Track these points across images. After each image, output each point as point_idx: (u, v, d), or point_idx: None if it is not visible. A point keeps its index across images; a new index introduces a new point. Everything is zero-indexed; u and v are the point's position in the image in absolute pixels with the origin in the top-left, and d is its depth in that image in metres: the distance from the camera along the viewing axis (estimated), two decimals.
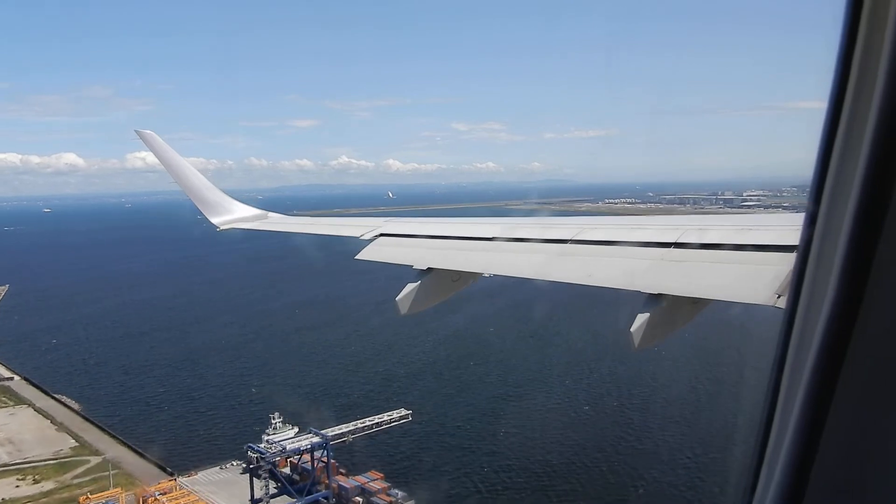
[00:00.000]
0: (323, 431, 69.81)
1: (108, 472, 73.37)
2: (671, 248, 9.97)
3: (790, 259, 7.99)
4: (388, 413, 73.77)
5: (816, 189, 2.52)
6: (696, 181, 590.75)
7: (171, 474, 73.61)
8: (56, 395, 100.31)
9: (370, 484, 66.62)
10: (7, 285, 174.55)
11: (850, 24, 2.32)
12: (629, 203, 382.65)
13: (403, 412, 74.75)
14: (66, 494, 71.10)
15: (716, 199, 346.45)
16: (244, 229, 20.01)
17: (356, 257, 14.41)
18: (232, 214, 20.20)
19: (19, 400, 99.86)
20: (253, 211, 20.62)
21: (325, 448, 68.29)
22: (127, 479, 73.37)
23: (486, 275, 13.12)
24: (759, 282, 8.25)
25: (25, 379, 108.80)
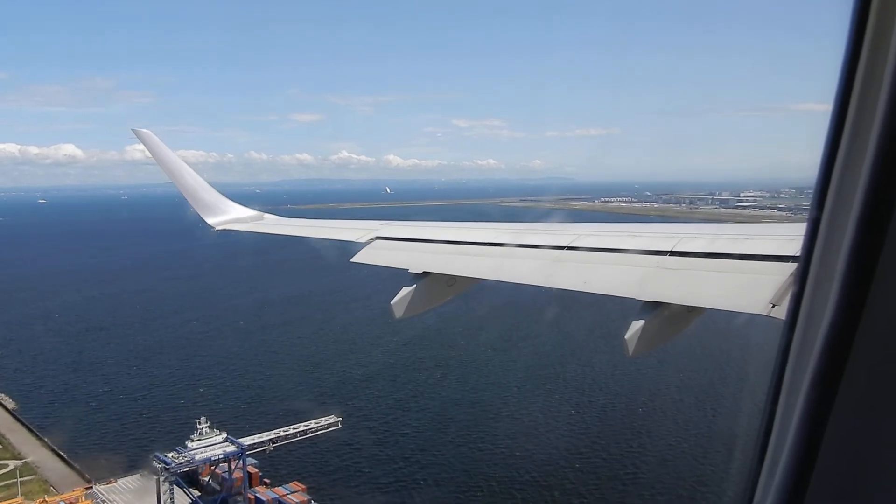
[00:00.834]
0: (241, 439, 65.30)
1: (23, 478, 69.04)
2: (667, 256, 10.06)
3: (785, 269, 8.13)
4: (316, 420, 69.02)
5: (819, 196, 2.51)
6: (696, 181, 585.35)
7: (89, 482, 69.20)
8: None
9: (289, 497, 62.16)
10: None
11: (857, 27, 2.31)
12: (625, 202, 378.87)
13: (333, 419, 70.10)
14: None
15: (712, 199, 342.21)
16: (239, 231, 19.89)
17: (352, 260, 14.43)
18: (228, 215, 20.24)
19: None
20: (249, 212, 20.63)
21: (240, 457, 63.77)
22: (40, 487, 69.08)
23: (482, 280, 12.93)
24: (753, 291, 8.40)
25: None
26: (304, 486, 63.78)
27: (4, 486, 69.41)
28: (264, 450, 65.33)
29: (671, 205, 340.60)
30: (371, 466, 72.32)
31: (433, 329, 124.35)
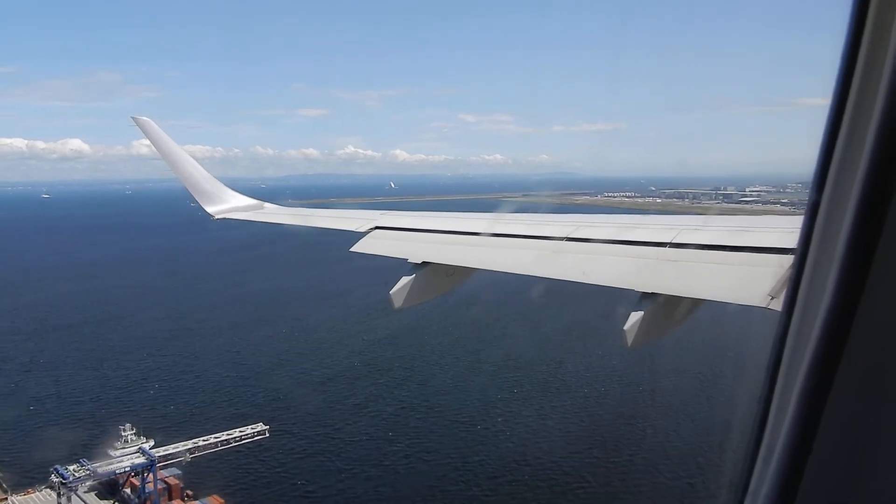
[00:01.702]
0: (153, 449, 60.73)
1: None
2: (666, 248, 10.03)
3: (783, 261, 8.14)
4: (241, 429, 64.29)
5: (817, 188, 2.53)
6: (702, 176, 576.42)
7: (6, 492, 64.90)
8: None
9: None
10: None
11: (856, 23, 2.33)
12: (627, 197, 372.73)
13: (260, 427, 65.50)
14: None
15: (716, 194, 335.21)
16: (239, 219, 19.83)
17: (351, 250, 14.44)
18: (227, 204, 20.18)
19: None
20: (248, 201, 20.59)
21: (150, 469, 59.14)
22: None
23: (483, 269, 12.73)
24: (752, 283, 8.38)
25: None
26: (222, 501, 59.08)
27: None
28: (181, 460, 60.66)
29: (674, 199, 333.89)
30: (310, 478, 67.46)
31: (408, 326, 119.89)
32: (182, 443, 61.97)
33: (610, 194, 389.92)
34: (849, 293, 2.33)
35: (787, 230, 9.17)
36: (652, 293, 9.20)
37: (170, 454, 60.10)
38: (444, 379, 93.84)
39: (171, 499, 60.27)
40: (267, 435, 65.76)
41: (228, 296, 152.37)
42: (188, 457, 60.88)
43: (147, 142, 20.31)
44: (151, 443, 65.57)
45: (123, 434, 65.37)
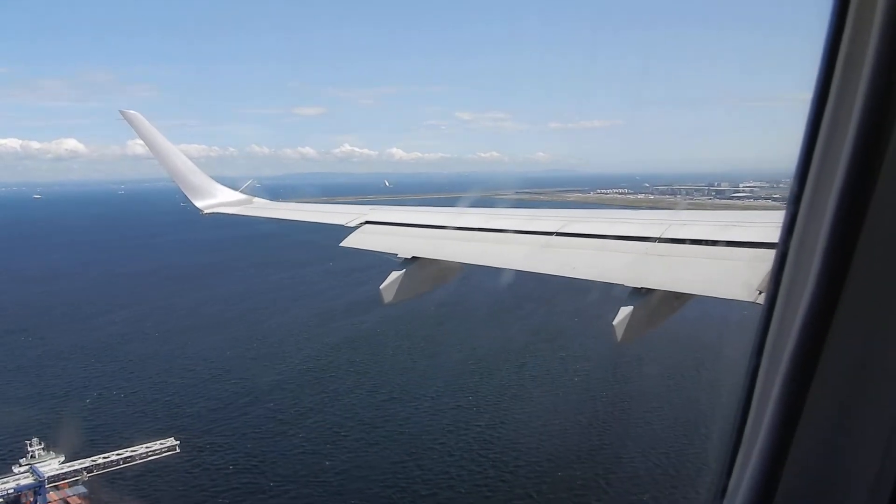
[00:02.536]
0: (42, 468, 55.68)
1: None
2: (656, 243, 10.11)
3: (772, 256, 6.73)
4: (147, 444, 59.23)
5: (798, 183, 2.57)
6: (699, 172, 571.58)
7: None
8: None
9: None
10: None
11: (837, 19, 2.37)
12: (619, 193, 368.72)
13: (171, 442, 60.46)
14: None
15: (708, 190, 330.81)
16: (228, 214, 19.62)
17: (341, 244, 14.44)
18: (216, 198, 20.09)
19: None
20: (238, 196, 20.50)
21: (39, 490, 54.12)
22: None
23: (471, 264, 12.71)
24: (741, 278, 8.40)
25: None
26: None
27: None
28: (77, 479, 55.67)
29: (666, 196, 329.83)
30: (233, 497, 62.35)
31: (370, 329, 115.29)
32: (80, 461, 56.92)
33: (602, 191, 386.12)
34: (830, 286, 2.33)
35: (776, 225, 7.84)
36: (641, 288, 9.24)
37: (63, 473, 55.00)
38: (397, 385, 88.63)
39: None
40: (178, 450, 60.60)
41: (193, 298, 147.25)
42: (85, 475, 55.86)
43: (141, 141, 20.36)
44: (61, 458, 60.64)
45: (30, 449, 60.41)
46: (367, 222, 14.76)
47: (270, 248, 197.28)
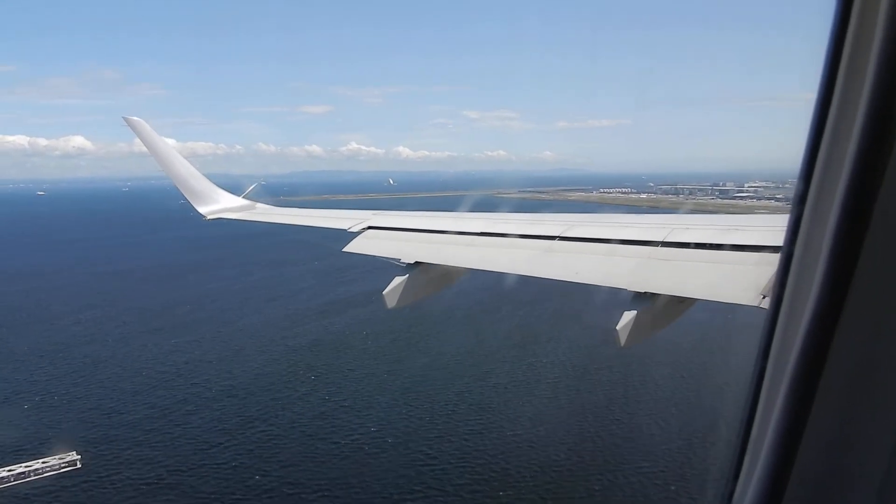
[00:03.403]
0: None
1: None
2: (658, 247, 10.22)
3: (776, 260, 7.17)
4: (44, 459, 54.42)
5: (803, 185, 2.55)
6: (704, 171, 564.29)
7: None
8: None
9: None
10: None
11: (840, 19, 2.35)
12: (622, 193, 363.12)
13: (71, 457, 55.63)
14: None
15: (712, 189, 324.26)
16: (230, 219, 19.93)
17: (343, 250, 14.52)
18: (218, 204, 20.24)
19: None
20: (240, 201, 20.85)
21: None
22: None
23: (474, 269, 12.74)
24: (744, 282, 8.38)
25: None
26: None
27: None
28: None
29: (668, 196, 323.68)
30: None
31: (339, 332, 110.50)
32: None
33: (605, 190, 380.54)
34: (835, 290, 2.32)
35: (779, 228, 8.12)
36: (644, 292, 9.19)
37: None
38: (351, 393, 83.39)
39: None
40: (78, 466, 55.72)
41: (164, 299, 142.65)
42: None
43: None
44: None
45: None
46: (370, 227, 14.86)
47: (261, 247, 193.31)
